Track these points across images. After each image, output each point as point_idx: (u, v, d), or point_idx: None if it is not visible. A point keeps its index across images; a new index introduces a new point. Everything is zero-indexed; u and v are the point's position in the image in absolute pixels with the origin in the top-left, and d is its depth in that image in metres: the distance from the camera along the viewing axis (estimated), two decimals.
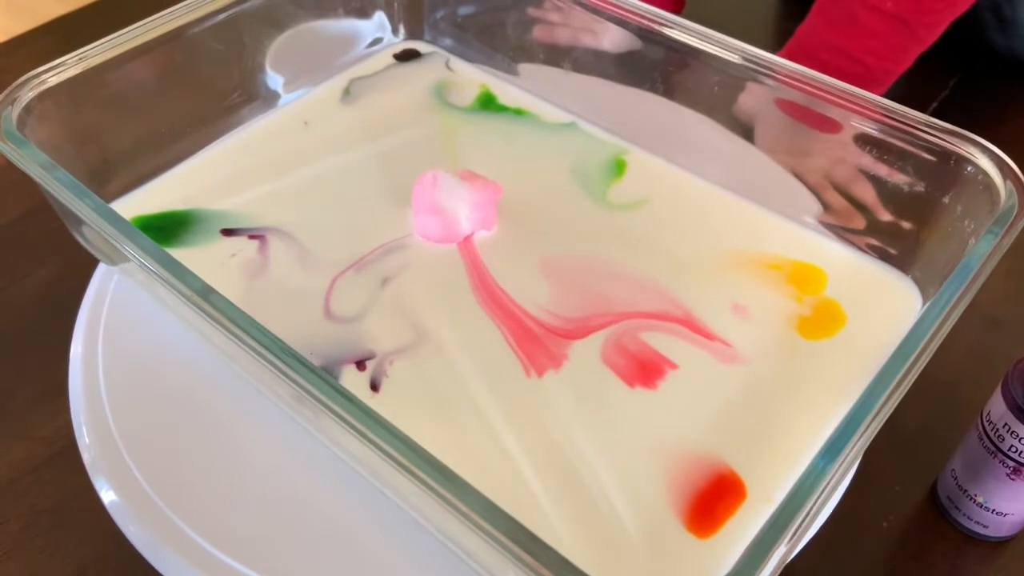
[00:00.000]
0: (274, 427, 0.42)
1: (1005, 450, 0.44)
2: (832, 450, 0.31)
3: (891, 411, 0.33)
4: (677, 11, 0.73)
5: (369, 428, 0.30)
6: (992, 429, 0.45)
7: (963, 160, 0.41)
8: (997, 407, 0.44)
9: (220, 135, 0.54)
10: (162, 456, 0.41)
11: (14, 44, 0.82)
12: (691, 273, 0.47)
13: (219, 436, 0.42)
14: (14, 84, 0.44)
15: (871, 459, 0.50)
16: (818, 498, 0.29)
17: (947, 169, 0.42)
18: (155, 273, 0.36)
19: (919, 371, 0.35)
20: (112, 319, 0.47)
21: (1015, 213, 0.38)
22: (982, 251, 0.37)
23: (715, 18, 0.70)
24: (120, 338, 0.46)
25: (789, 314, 0.46)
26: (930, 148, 0.42)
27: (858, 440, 0.31)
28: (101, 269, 0.50)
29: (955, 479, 0.48)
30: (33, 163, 0.41)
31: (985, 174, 0.40)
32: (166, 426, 0.42)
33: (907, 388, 0.34)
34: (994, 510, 0.47)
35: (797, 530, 0.28)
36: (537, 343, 0.43)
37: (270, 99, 0.57)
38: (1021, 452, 0.44)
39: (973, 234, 0.40)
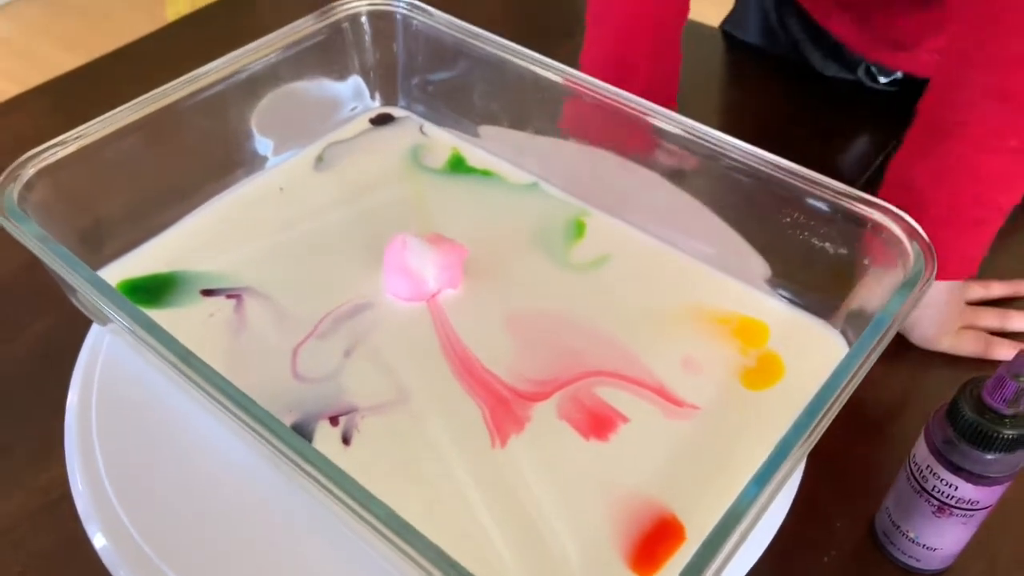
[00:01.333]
0: (259, 478, 0.45)
1: (929, 490, 0.48)
2: (760, 479, 0.34)
3: (809, 449, 0.37)
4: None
5: (333, 482, 0.34)
6: (918, 470, 0.48)
7: (878, 226, 0.45)
8: (921, 451, 0.48)
9: (204, 201, 0.59)
10: (151, 505, 0.45)
11: (12, 104, 0.86)
12: (646, 329, 0.51)
13: (206, 486, 0.45)
14: (16, 162, 0.48)
15: (814, 496, 0.53)
16: (741, 528, 0.33)
17: (865, 234, 0.46)
18: (140, 338, 0.40)
19: (836, 412, 0.39)
20: (106, 373, 0.51)
21: (923, 275, 0.42)
22: (893, 309, 0.41)
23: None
24: (113, 391, 0.50)
25: (735, 366, 0.49)
26: (851, 216, 0.47)
27: (780, 473, 0.35)
28: (96, 325, 0.54)
29: (889, 516, 0.52)
30: (31, 237, 0.45)
31: (897, 239, 0.44)
32: (156, 477, 0.46)
33: (824, 429, 0.38)
34: (924, 545, 0.51)
35: (724, 555, 0.32)
36: (505, 407, 0.47)
37: (254, 165, 0.61)
38: (943, 492, 0.47)
39: (890, 290, 0.44)
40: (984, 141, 0.54)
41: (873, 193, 0.48)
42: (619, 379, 0.48)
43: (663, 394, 0.48)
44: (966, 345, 0.61)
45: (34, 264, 0.68)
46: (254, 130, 0.62)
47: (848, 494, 0.55)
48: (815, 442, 0.40)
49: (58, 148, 0.50)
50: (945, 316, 0.61)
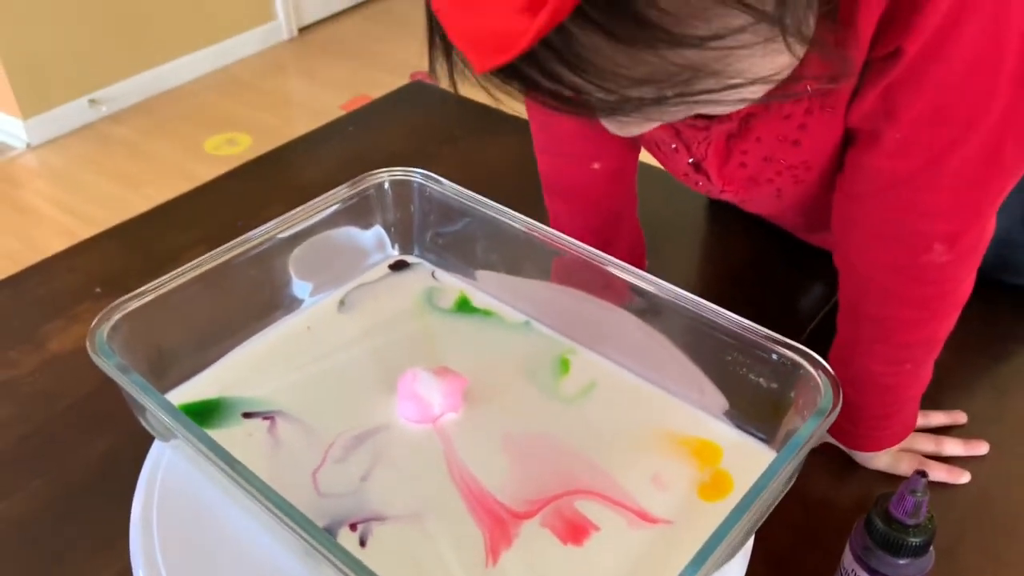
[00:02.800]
0: (293, 572, 0.55)
1: None
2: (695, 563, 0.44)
3: (739, 539, 0.46)
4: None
5: (354, 570, 0.44)
6: (845, 573, 0.57)
7: (797, 365, 0.56)
8: (847, 557, 0.57)
9: (247, 338, 0.70)
10: None
11: (81, 248, 0.99)
12: (621, 451, 0.61)
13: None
14: (107, 308, 0.60)
15: None
16: None
17: (789, 371, 0.57)
18: (201, 452, 0.50)
19: (760, 516, 0.48)
20: (166, 484, 0.61)
21: (831, 405, 0.52)
22: (807, 433, 0.51)
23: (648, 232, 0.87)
24: (172, 500, 0.60)
25: (693, 481, 0.59)
26: (780, 358, 0.57)
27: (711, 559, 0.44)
28: (158, 442, 0.64)
29: None
30: (115, 370, 0.56)
31: (812, 375, 0.55)
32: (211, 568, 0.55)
33: (752, 528, 0.47)
34: None
35: None
36: (502, 528, 0.56)
37: (291, 306, 0.73)
38: None
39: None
40: (885, 367, 0.65)
41: (818, 339, 0.58)
42: (595, 495, 0.58)
43: (630, 507, 0.57)
44: (902, 465, 0.70)
45: (99, 390, 0.80)
46: (292, 275, 0.73)
47: None
48: (747, 533, 0.49)
49: (138, 299, 0.61)
50: None
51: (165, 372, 0.65)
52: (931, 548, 0.54)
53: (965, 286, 0.62)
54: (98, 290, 0.92)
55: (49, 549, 0.66)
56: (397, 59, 3.35)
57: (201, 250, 0.67)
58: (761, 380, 0.59)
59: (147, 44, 3.06)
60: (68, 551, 0.66)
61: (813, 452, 0.71)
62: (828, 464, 0.72)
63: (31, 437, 0.76)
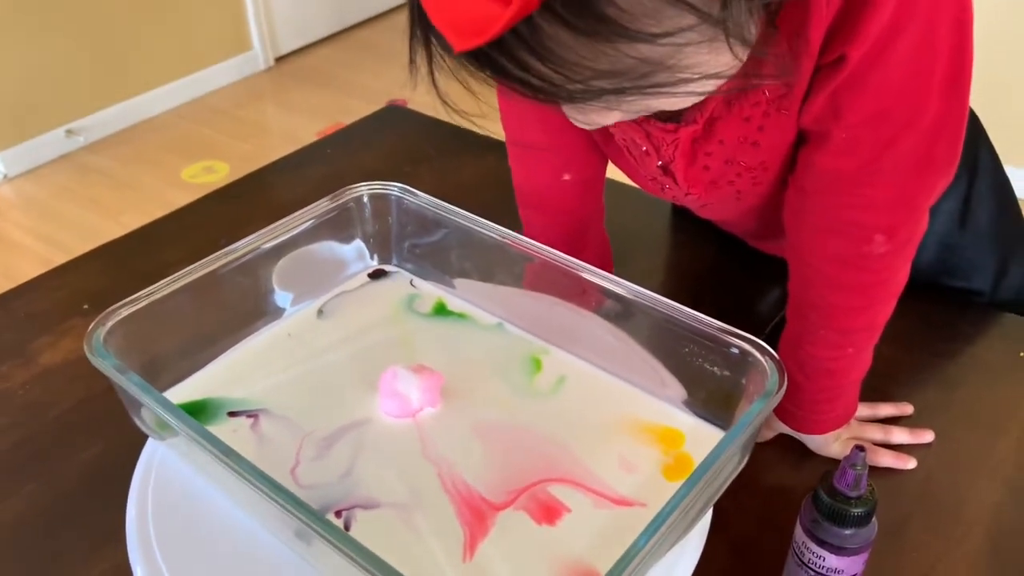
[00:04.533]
0: (285, 558, 0.59)
1: (806, 563, 0.61)
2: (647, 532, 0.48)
3: (694, 514, 0.50)
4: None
5: (347, 548, 0.48)
6: (796, 547, 0.61)
7: (747, 353, 0.61)
8: (798, 531, 0.61)
9: (231, 346, 0.74)
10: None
11: (67, 267, 1.02)
12: (592, 440, 0.65)
13: (243, 560, 0.59)
14: (103, 314, 0.64)
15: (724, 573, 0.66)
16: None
17: (740, 360, 0.62)
18: (201, 444, 0.54)
19: (712, 490, 0.52)
20: (160, 481, 0.64)
21: (776, 387, 0.57)
22: (754, 411, 0.56)
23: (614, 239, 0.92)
24: (166, 497, 0.63)
25: (659, 464, 0.63)
26: (728, 346, 0.62)
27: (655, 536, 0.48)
28: (149, 446, 0.67)
29: None
30: (113, 370, 0.60)
31: (760, 361, 0.60)
32: (204, 555, 0.59)
33: (707, 502, 0.51)
34: None
35: None
36: (478, 515, 0.59)
37: (274, 315, 0.77)
38: (816, 563, 0.60)
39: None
40: (830, 352, 0.70)
41: (774, 342, 0.64)
42: (567, 481, 0.62)
43: (600, 490, 0.61)
44: None
45: (88, 400, 0.83)
46: (275, 286, 0.77)
47: (751, 570, 0.68)
48: (702, 507, 0.54)
49: (131, 305, 0.65)
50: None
51: (155, 377, 0.69)
52: (873, 518, 0.59)
53: (901, 276, 0.68)
54: (86, 307, 0.95)
55: (44, 551, 0.69)
56: (372, 88, 3.41)
57: (184, 268, 0.71)
58: (716, 369, 0.63)
59: (124, 74, 3.10)
60: (63, 552, 0.69)
61: (770, 443, 0.76)
62: (784, 454, 0.77)
63: (23, 445, 0.79)
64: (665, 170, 0.72)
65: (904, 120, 0.60)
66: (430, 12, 0.44)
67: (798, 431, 0.76)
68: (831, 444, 0.75)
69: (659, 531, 0.49)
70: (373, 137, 1.32)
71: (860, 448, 0.57)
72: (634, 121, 0.66)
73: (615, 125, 0.68)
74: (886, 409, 0.80)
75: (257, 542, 0.60)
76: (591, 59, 0.44)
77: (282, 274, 0.78)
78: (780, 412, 0.75)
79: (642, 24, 0.43)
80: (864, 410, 0.79)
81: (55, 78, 2.90)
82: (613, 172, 0.87)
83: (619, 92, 0.47)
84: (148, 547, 0.60)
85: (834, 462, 0.75)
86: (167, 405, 0.57)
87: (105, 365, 0.60)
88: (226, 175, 2.84)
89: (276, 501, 0.51)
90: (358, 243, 0.82)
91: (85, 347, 0.62)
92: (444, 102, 0.51)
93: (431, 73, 0.50)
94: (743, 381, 0.62)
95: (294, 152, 1.29)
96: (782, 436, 0.77)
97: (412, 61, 0.50)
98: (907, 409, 0.80)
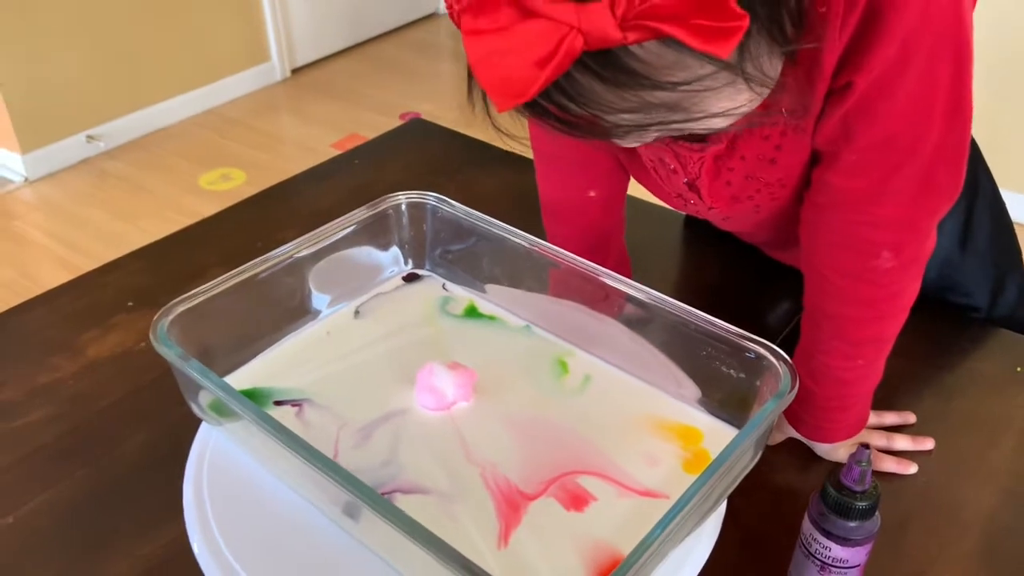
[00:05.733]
0: (325, 530, 0.63)
1: (813, 553, 0.65)
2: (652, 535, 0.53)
3: (710, 504, 0.55)
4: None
5: (397, 521, 0.53)
6: (804, 539, 0.66)
7: (762, 357, 0.66)
8: (806, 524, 0.66)
9: (274, 343, 0.79)
10: (254, 550, 0.62)
11: (110, 267, 1.08)
12: (616, 436, 0.70)
13: (294, 538, 0.64)
14: (166, 307, 0.69)
15: (732, 570, 0.70)
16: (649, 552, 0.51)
17: (755, 363, 0.66)
18: (260, 426, 0.59)
19: (727, 482, 0.57)
20: (214, 464, 0.69)
21: (789, 388, 0.62)
22: (768, 409, 0.61)
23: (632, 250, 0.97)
24: (221, 477, 0.68)
25: (679, 458, 0.68)
26: (744, 350, 0.67)
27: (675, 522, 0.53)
28: (202, 432, 0.72)
29: None
30: (176, 357, 0.65)
31: (774, 364, 0.65)
32: (259, 534, 0.64)
33: (721, 494, 0.56)
34: None
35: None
36: (511, 504, 0.64)
37: (312, 316, 0.82)
38: (822, 554, 0.65)
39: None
40: (841, 362, 0.75)
41: (787, 349, 0.69)
42: (593, 473, 0.67)
43: (624, 482, 0.66)
44: None
45: (136, 392, 0.88)
46: (312, 288, 0.82)
47: (762, 570, 0.72)
48: (717, 499, 0.58)
49: (189, 300, 0.70)
50: None
51: (211, 366, 0.74)
52: (876, 512, 0.64)
53: (910, 291, 0.73)
54: (130, 304, 1.00)
55: (102, 527, 0.74)
56: (386, 100, 3.48)
57: (223, 269, 0.76)
58: (732, 371, 0.68)
59: (144, 83, 3.16)
60: (119, 528, 0.73)
61: (780, 446, 0.81)
62: (793, 460, 0.81)
63: (73, 432, 0.83)
64: (691, 186, 0.77)
65: (909, 146, 0.65)
66: (476, 75, 0.48)
67: (809, 438, 0.80)
68: (838, 450, 0.80)
69: (678, 517, 0.54)
70: (396, 150, 1.38)
71: (865, 446, 0.62)
72: (663, 143, 0.71)
73: (644, 147, 0.73)
74: (890, 417, 0.85)
75: (306, 519, 0.65)
76: (618, 102, 0.50)
77: (319, 276, 0.83)
78: (792, 419, 0.80)
79: (665, 75, 0.48)
80: (871, 418, 0.83)
81: (77, 85, 2.96)
82: (632, 189, 0.93)
83: (643, 128, 0.52)
84: (206, 522, 0.65)
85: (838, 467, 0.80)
86: (227, 389, 0.62)
87: (169, 353, 0.65)
88: (243, 183, 2.90)
89: (330, 478, 0.55)
90: (394, 248, 0.87)
91: (151, 336, 0.66)
92: (500, 130, 0.56)
93: (487, 111, 0.55)
94: (757, 383, 0.67)
95: (321, 163, 1.34)
96: (791, 440, 0.82)
97: (470, 101, 0.55)
98: (910, 418, 0.85)
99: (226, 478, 0.68)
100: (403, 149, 1.38)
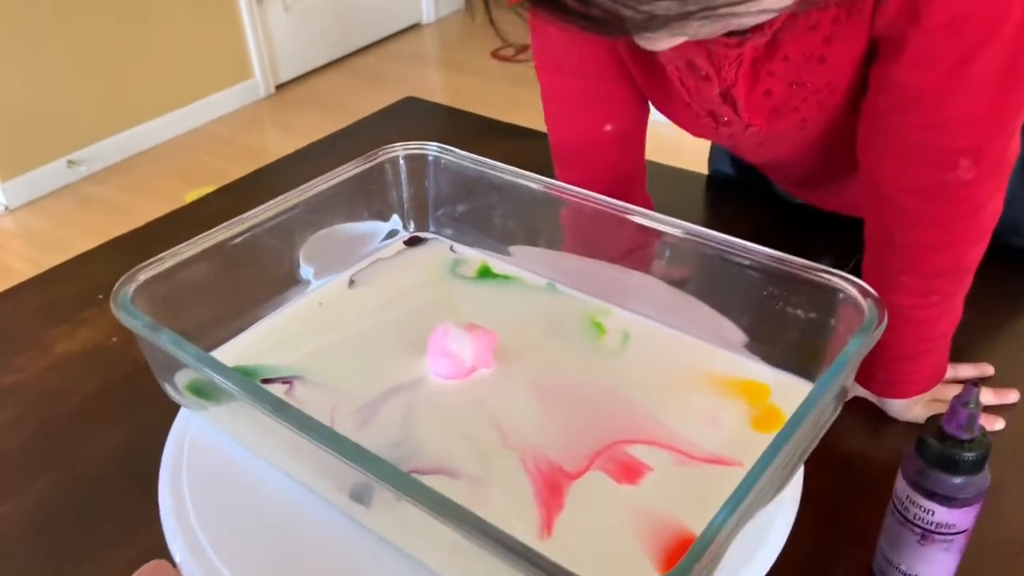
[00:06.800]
0: (327, 521, 0.53)
1: (911, 519, 0.55)
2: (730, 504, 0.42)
3: (794, 463, 0.45)
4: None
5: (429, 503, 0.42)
6: (900, 503, 0.56)
7: (836, 290, 0.55)
8: (900, 485, 0.56)
9: (257, 319, 0.69)
10: (234, 544, 0.52)
11: (79, 260, 0.97)
12: (667, 397, 0.60)
13: (285, 527, 0.53)
14: (127, 274, 0.59)
15: (814, 547, 0.60)
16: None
17: (829, 299, 0.56)
18: (249, 395, 0.48)
19: (809, 439, 0.47)
20: (193, 456, 0.59)
21: (876, 321, 0.52)
22: (852, 349, 0.50)
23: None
24: (202, 472, 0.58)
25: (745, 416, 0.58)
26: (813, 284, 0.57)
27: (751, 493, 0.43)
28: (178, 423, 0.62)
29: (883, 554, 0.58)
30: (144, 328, 0.54)
31: (853, 297, 0.54)
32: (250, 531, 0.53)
33: (802, 455, 0.45)
34: None
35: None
36: (553, 487, 0.54)
37: (301, 286, 0.72)
38: (923, 519, 0.54)
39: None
40: (913, 300, 0.65)
41: None
42: (645, 442, 0.56)
43: (684, 449, 0.56)
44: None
45: (106, 389, 0.77)
46: (301, 258, 0.72)
47: (847, 542, 0.62)
48: (798, 460, 0.48)
49: (155, 265, 0.60)
50: None
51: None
52: (986, 466, 0.53)
53: (991, 209, 0.63)
54: (100, 297, 0.90)
55: (71, 537, 0.64)
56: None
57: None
58: (800, 312, 0.58)
59: (125, 104, 3.07)
60: (89, 539, 0.63)
61: (845, 411, 0.71)
62: (862, 424, 0.71)
63: (40, 432, 0.73)
64: (725, 97, 0.67)
65: (987, 25, 0.55)
66: None
67: (880, 395, 0.70)
68: (913, 407, 0.70)
69: (760, 481, 0.43)
70: (391, 126, 1.28)
71: (974, 383, 0.51)
72: (696, 44, 0.61)
73: (672, 52, 0.63)
74: (967, 370, 0.74)
75: (303, 511, 0.54)
76: None
77: (310, 253, 0.73)
78: (859, 375, 0.69)
79: None
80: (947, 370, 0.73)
81: (56, 109, 2.87)
82: (650, 152, 0.83)
83: (684, 17, 0.43)
84: (187, 525, 0.54)
85: (917, 427, 0.70)
86: (206, 359, 0.52)
87: (135, 323, 0.55)
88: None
89: (341, 458, 0.45)
90: (392, 208, 0.77)
91: (112, 305, 0.56)
92: (500, 57, 0.46)
93: (488, 13, 0.47)
94: (832, 322, 0.57)
95: (307, 145, 1.24)
96: (857, 402, 0.72)
97: (468, 6, 0.47)
98: (988, 370, 0.75)
99: (209, 472, 0.58)
100: (396, 125, 1.28)
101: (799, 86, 0.64)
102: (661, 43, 0.50)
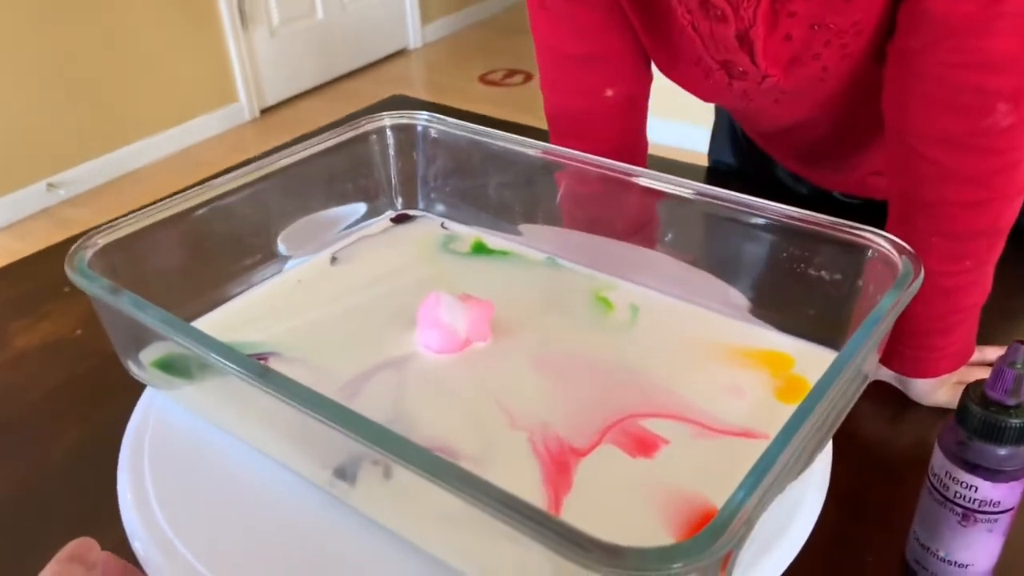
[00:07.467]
0: (304, 504, 0.47)
1: (951, 497, 0.50)
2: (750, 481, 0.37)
3: (815, 443, 0.39)
4: None
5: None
6: (938, 480, 0.50)
7: (863, 248, 0.51)
8: (938, 459, 0.50)
9: (230, 295, 0.63)
10: (200, 528, 0.46)
11: (46, 253, 0.92)
12: (684, 370, 0.55)
13: (258, 511, 0.47)
14: (84, 238, 0.53)
15: (842, 533, 0.55)
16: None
17: (856, 258, 0.51)
18: (230, 367, 0.43)
19: (839, 407, 0.42)
20: (156, 442, 0.53)
21: (912, 276, 0.47)
22: (886, 305, 0.45)
23: None
24: (166, 457, 0.52)
25: (769, 387, 0.53)
26: (838, 242, 0.52)
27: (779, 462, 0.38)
28: (140, 407, 0.56)
29: (918, 539, 0.53)
30: (102, 291, 0.49)
31: (883, 251, 0.49)
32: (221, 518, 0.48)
33: (830, 421, 0.40)
34: (956, 562, 0.51)
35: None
36: (560, 465, 0.48)
37: (280, 260, 0.66)
38: (964, 496, 0.49)
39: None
40: (945, 265, 0.60)
41: None
42: (660, 415, 0.51)
43: (701, 420, 0.50)
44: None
45: (69, 383, 0.72)
46: (278, 236, 0.66)
47: (876, 530, 0.57)
48: (827, 432, 0.43)
49: (113, 230, 0.55)
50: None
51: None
52: None
53: None
54: (67, 290, 0.84)
55: (29, 535, 0.58)
56: None
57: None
58: (823, 274, 0.53)
59: (108, 127, 3.02)
60: (48, 536, 0.57)
61: (869, 396, 0.66)
62: (882, 410, 0.66)
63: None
64: (742, 41, 0.62)
65: None
66: None
67: (906, 375, 0.65)
68: (938, 390, 0.65)
69: (787, 450, 0.38)
70: None
71: (1021, 341, 0.47)
72: None
73: None
74: (994, 352, 0.70)
75: (277, 494, 0.48)
76: None
77: (289, 233, 0.67)
78: (883, 355, 0.64)
79: None
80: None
81: (35, 132, 2.82)
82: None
83: None
84: (150, 516, 0.48)
85: (942, 412, 0.65)
86: (171, 322, 0.46)
87: (92, 286, 0.49)
88: None
89: (333, 425, 0.39)
90: (377, 182, 0.72)
91: (67, 269, 0.51)
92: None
93: None
94: (859, 283, 0.52)
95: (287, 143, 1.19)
96: (877, 386, 0.67)
97: None
98: None
99: (174, 457, 0.52)
100: None
101: (821, 28, 0.59)
102: None
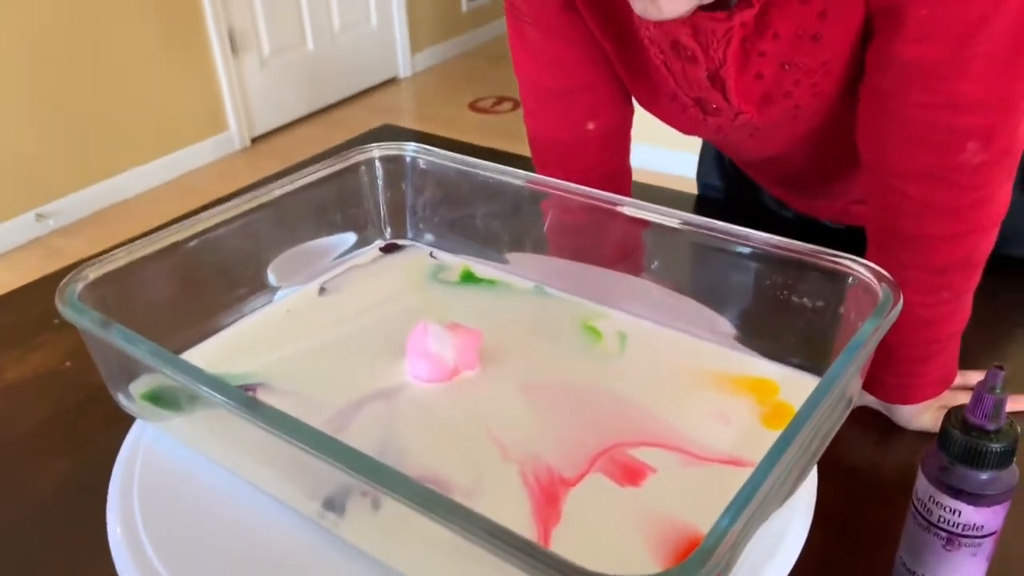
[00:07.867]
0: (294, 536, 0.47)
1: (935, 522, 0.50)
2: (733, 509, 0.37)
3: (800, 468, 0.40)
4: None
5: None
6: (922, 505, 0.51)
7: (844, 275, 0.52)
8: (921, 484, 0.51)
9: (224, 325, 0.64)
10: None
11: (36, 284, 0.92)
12: (670, 397, 0.55)
13: (248, 544, 0.47)
14: (75, 271, 0.54)
15: (828, 559, 0.55)
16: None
17: (837, 285, 0.52)
18: (211, 397, 0.43)
19: (823, 433, 0.42)
20: (146, 479, 0.53)
21: (891, 303, 0.48)
22: (867, 331, 0.46)
23: None
24: (155, 492, 0.52)
25: (755, 414, 0.54)
26: (820, 270, 0.53)
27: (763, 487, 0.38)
28: (129, 439, 0.56)
29: (904, 564, 0.53)
30: (92, 324, 0.49)
31: (863, 279, 0.50)
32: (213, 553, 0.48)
33: (814, 446, 0.41)
34: None
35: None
36: (549, 496, 0.49)
37: (269, 292, 0.67)
38: (948, 520, 0.50)
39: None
40: (923, 296, 0.61)
41: None
42: (647, 444, 0.51)
43: (689, 449, 0.51)
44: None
45: (57, 416, 0.72)
46: (268, 267, 0.67)
47: (862, 554, 0.57)
48: (810, 458, 0.43)
49: (106, 263, 0.55)
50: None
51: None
52: (1014, 461, 0.49)
53: (1001, 196, 0.59)
54: (56, 321, 0.84)
55: (16, 568, 0.57)
56: None
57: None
58: (805, 301, 0.54)
59: (98, 156, 3.02)
60: (35, 570, 0.57)
61: (854, 420, 0.66)
62: (867, 434, 0.67)
63: None
64: (714, 80, 0.63)
65: None
66: None
67: (889, 401, 0.66)
68: (922, 414, 0.66)
69: (771, 475, 0.39)
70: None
71: (999, 367, 0.47)
72: (680, 21, 0.58)
73: (656, 30, 0.60)
74: (977, 377, 0.70)
75: (267, 526, 0.48)
76: None
77: (278, 264, 0.68)
78: (867, 381, 0.65)
79: None
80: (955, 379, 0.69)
81: (24, 162, 2.82)
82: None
83: None
84: (140, 552, 0.48)
85: (927, 436, 0.66)
86: (161, 355, 0.47)
87: (82, 319, 0.50)
88: None
89: (322, 457, 0.39)
90: (366, 212, 0.72)
91: (57, 302, 0.51)
92: None
93: None
94: (841, 310, 0.53)
95: (277, 173, 1.20)
96: (861, 412, 0.67)
97: None
98: None
99: (164, 491, 0.52)
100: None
101: (791, 67, 0.60)
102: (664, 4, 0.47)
